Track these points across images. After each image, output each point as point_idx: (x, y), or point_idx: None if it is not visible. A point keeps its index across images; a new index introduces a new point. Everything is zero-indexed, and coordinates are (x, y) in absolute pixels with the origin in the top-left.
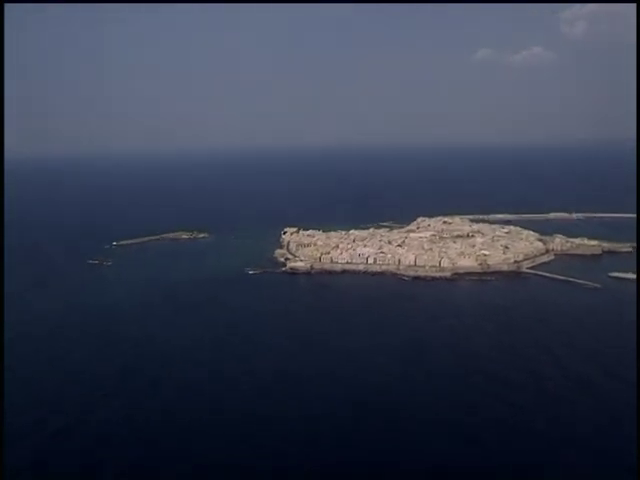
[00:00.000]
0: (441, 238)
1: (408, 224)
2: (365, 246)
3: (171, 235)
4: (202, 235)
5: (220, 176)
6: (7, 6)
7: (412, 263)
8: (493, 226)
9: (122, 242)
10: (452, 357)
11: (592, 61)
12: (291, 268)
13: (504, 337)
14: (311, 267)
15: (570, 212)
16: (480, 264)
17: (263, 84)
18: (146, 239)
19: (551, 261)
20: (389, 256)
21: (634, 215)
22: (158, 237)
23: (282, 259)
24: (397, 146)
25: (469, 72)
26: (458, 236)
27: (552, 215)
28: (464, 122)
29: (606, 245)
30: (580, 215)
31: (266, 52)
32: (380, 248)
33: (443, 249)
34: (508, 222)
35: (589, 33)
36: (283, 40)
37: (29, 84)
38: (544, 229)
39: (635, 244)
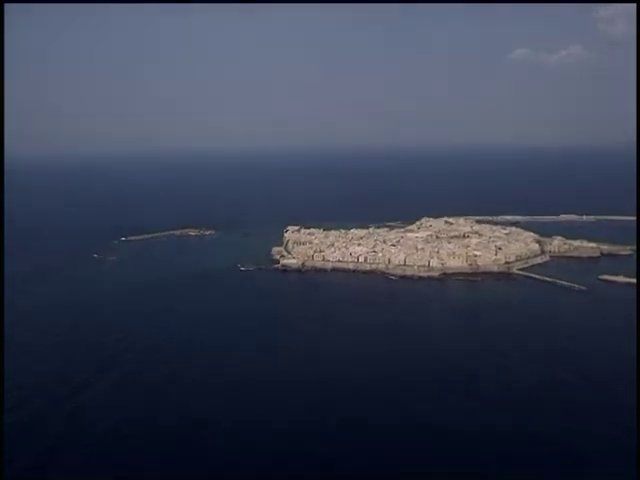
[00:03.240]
0: (437, 238)
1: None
2: (359, 245)
3: (178, 232)
4: (209, 232)
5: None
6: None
7: (402, 262)
8: (494, 227)
9: (130, 238)
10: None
11: (634, 59)
12: (283, 265)
13: (449, 331)
14: (302, 265)
15: (580, 214)
16: (470, 264)
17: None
18: (153, 235)
19: (545, 263)
20: (380, 255)
21: None
22: (166, 233)
23: (278, 256)
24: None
25: (505, 72)
26: (454, 236)
27: (562, 217)
28: (500, 123)
29: (605, 247)
30: (591, 217)
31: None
32: (373, 247)
33: (435, 249)
34: (516, 223)
35: (629, 31)
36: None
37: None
38: (551, 231)
39: (635, 247)
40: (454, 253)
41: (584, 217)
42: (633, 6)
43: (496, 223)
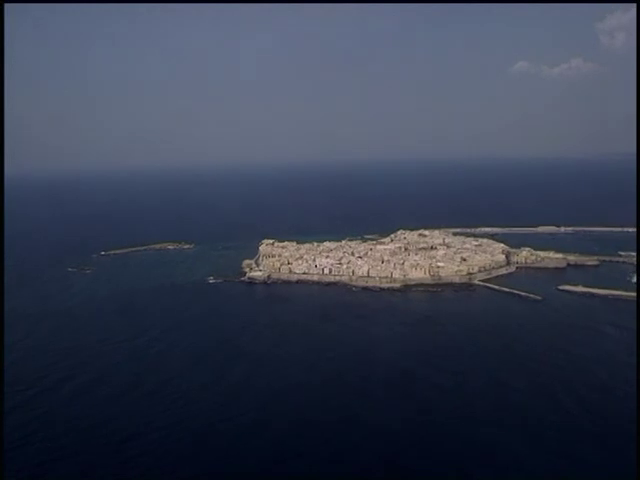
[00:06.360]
0: (405, 250)
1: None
2: (327, 257)
3: (157, 246)
4: (187, 246)
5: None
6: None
7: (365, 274)
8: (466, 239)
9: (110, 252)
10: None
11: (635, 71)
12: (249, 278)
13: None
14: (268, 277)
15: (559, 226)
16: (432, 276)
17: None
18: (133, 249)
19: (510, 274)
20: (344, 267)
21: (622, 229)
22: (145, 247)
23: (247, 269)
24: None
25: (506, 85)
26: (422, 248)
27: (540, 229)
28: (501, 137)
29: (572, 258)
30: (569, 229)
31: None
32: (340, 259)
33: (401, 261)
34: (494, 235)
35: (630, 43)
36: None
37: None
38: (526, 243)
39: (603, 258)
40: (417, 264)
41: (562, 229)
42: (633, 19)
43: (472, 235)
